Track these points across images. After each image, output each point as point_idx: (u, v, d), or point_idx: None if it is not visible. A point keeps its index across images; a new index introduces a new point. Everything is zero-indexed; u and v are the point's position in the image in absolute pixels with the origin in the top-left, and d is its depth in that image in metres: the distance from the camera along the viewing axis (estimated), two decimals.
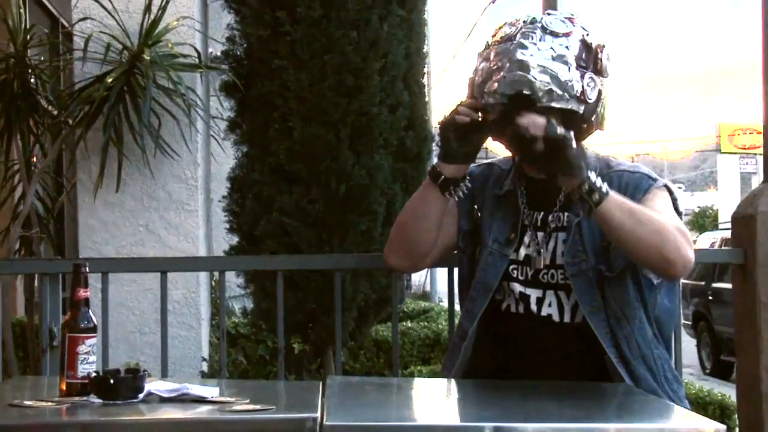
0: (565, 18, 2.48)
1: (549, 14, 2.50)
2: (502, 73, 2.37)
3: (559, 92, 2.35)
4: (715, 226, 23.17)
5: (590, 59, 2.43)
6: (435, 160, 2.59)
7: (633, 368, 2.40)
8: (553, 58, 2.37)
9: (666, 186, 2.51)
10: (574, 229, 2.45)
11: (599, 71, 2.44)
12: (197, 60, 5.06)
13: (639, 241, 2.30)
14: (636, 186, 2.46)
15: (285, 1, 4.63)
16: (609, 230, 2.33)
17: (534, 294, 2.48)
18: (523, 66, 2.34)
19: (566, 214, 2.48)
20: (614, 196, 2.30)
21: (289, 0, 4.62)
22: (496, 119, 2.37)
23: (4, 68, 5.14)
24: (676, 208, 2.48)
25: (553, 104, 2.35)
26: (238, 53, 4.88)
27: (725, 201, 31.78)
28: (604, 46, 2.46)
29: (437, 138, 2.70)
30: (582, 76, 2.40)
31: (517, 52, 2.37)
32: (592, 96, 2.41)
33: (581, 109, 2.40)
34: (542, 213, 2.51)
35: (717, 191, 37.61)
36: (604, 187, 2.28)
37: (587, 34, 2.45)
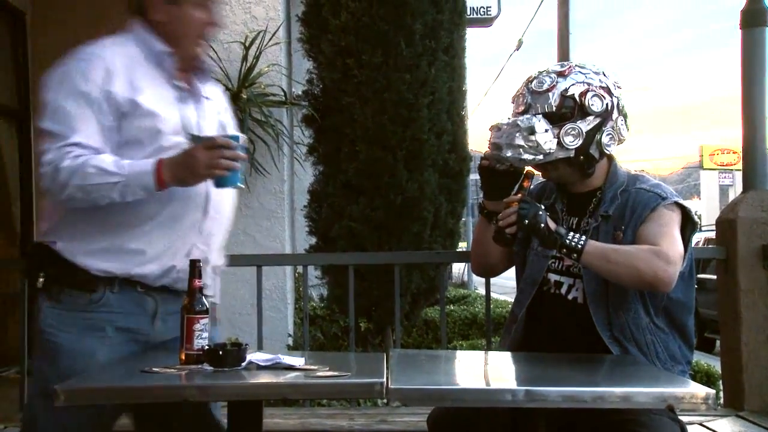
0: (555, 72, 2.46)
1: (540, 73, 2.48)
2: (489, 150, 2.47)
3: (530, 157, 2.38)
4: (699, 229, 22.76)
5: (575, 106, 2.40)
6: (472, 176, 2.63)
7: (625, 347, 2.37)
8: (519, 132, 2.38)
9: (676, 202, 2.43)
10: (592, 232, 2.43)
11: (586, 113, 2.41)
12: (284, 98, 5.09)
13: (618, 277, 2.32)
14: (645, 204, 2.41)
15: (352, 50, 4.66)
16: (594, 271, 2.35)
17: (566, 282, 2.47)
18: (496, 147, 2.43)
19: (591, 219, 2.47)
20: (589, 249, 2.29)
21: (356, 49, 4.65)
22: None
23: None
24: (688, 220, 2.43)
25: (539, 159, 2.39)
26: (316, 92, 4.92)
27: (707, 208, 31.23)
28: (587, 90, 2.41)
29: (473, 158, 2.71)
30: (561, 129, 2.39)
31: (492, 135, 2.45)
32: (574, 142, 2.39)
33: (571, 153, 2.40)
34: (576, 218, 2.50)
35: (700, 200, 36.92)
36: (581, 243, 2.29)
37: (573, 84, 2.41)
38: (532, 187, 2.55)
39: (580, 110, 2.41)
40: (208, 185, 2.21)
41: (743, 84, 3.73)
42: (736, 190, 26.50)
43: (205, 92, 2.35)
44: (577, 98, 2.41)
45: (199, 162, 2.08)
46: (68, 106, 2.09)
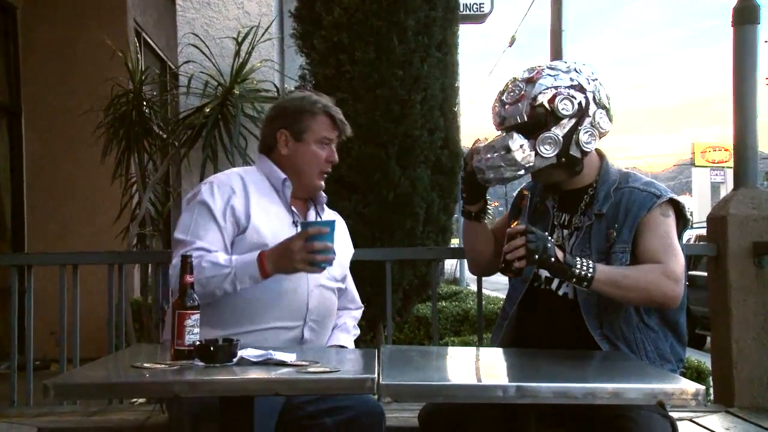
0: (524, 80, 2.44)
1: (511, 82, 2.47)
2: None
3: (511, 174, 2.41)
4: (690, 226, 22.85)
5: (546, 113, 2.40)
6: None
7: (615, 345, 2.38)
8: (496, 153, 2.40)
9: (671, 200, 2.44)
10: (585, 229, 2.44)
11: (559, 117, 2.40)
12: (276, 94, 5.08)
13: (629, 301, 2.36)
14: (641, 204, 2.42)
15: (345, 46, 4.64)
16: (606, 296, 2.35)
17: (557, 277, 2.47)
18: (479, 170, 2.47)
19: (584, 217, 2.47)
20: (599, 276, 2.29)
21: (349, 45, 4.63)
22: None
23: (125, 101, 5.20)
24: (680, 217, 2.45)
25: (521, 174, 2.42)
26: (308, 88, 4.89)
27: (698, 205, 31.31)
28: (555, 95, 2.39)
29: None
30: (536, 140, 2.39)
31: (474, 160, 2.49)
32: (551, 150, 2.40)
33: (551, 160, 2.41)
34: (568, 215, 2.51)
35: (691, 197, 37.00)
36: (590, 272, 2.28)
37: (541, 92, 2.39)
38: (527, 185, 2.57)
39: (552, 116, 2.40)
40: (308, 312, 2.54)
41: (735, 81, 3.74)
42: (727, 187, 26.57)
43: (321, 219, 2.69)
44: (547, 105, 2.39)
45: (294, 253, 2.33)
46: (196, 218, 2.48)
